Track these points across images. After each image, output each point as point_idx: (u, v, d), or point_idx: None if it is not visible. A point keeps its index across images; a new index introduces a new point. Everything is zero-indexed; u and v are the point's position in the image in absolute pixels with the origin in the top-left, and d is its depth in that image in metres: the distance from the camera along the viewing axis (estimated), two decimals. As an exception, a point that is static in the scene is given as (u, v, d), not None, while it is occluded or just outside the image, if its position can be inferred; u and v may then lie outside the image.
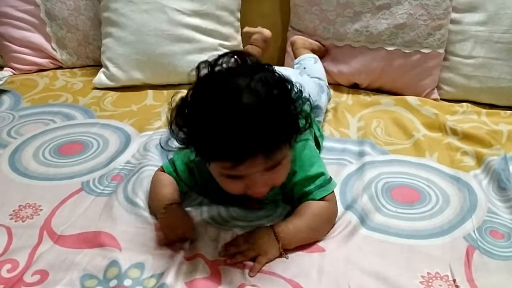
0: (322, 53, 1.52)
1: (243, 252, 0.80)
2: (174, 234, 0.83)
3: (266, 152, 0.73)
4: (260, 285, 0.74)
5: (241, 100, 0.70)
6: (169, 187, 0.91)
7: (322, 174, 0.89)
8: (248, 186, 0.79)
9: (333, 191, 0.89)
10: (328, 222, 0.88)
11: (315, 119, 1.16)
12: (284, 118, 0.73)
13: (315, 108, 1.18)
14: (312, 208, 0.86)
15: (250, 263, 0.79)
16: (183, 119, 0.75)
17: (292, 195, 0.90)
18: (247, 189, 0.80)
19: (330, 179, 0.90)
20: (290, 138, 0.77)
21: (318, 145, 1.11)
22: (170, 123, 0.76)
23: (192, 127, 0.74)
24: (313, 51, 1.49)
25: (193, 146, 0.77)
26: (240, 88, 0.71)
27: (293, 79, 1.17)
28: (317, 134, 1.12)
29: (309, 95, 1.16)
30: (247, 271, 0.77)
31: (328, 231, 0.87)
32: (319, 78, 1.35)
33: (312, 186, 0.88)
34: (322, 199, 0.87)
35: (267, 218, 0.90)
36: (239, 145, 0.70)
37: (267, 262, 0.79)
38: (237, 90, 0.70)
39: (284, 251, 0.81)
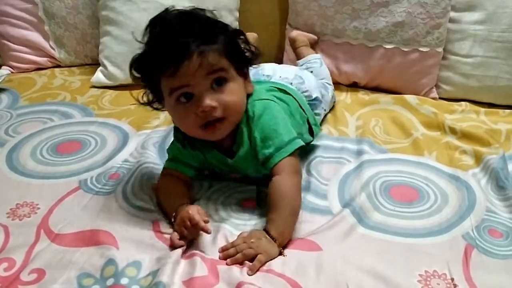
0: (316, 43, 1.52)
1: (242, 252, 0.79)
2: (190, 231, 0.81)
3: (200, 51, 0.80)
4: (258, 283, 0.74)
5: (175, 15, 0.86)
6: (176, 194, 0.92)
7: (279, 135, 0.90)
8: (198, 106, 0.83)
9: (294, 154, 0.90)
10: (299, 194, 0.89)
11: (311, 110, 1.16)
12: (215, 27, 0.87)
13: (313, 100, 1.18)
14: (281, 192, 0.86)
15: (248, 262, 0.79)
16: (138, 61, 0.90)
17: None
18: (199, 113, 0.84)
19: (292, 139, 0.91)
20: (227, 52, 0.85)
21: (312, 133, 1.13)
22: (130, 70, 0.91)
23: (141, 57, 0.89)
24: (311, 46, 1.49)
25: (144, 73, 0.90)
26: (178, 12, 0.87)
27: (293, 73, 1.20)
28: (312, 122, 1.13)
29: (307, 89, 1.17)
30: (245, 269, 0.77)
31: None
32: (325, 80, 1.35)
33: (271, 149, 0.89)
34: (284, 160, 0.88)
35: (264, 217, 0.90)
36: (173, 45, 0.81)
37: (266, 261, 0.79)
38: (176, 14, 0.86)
39: (282, 249, 0.82)
